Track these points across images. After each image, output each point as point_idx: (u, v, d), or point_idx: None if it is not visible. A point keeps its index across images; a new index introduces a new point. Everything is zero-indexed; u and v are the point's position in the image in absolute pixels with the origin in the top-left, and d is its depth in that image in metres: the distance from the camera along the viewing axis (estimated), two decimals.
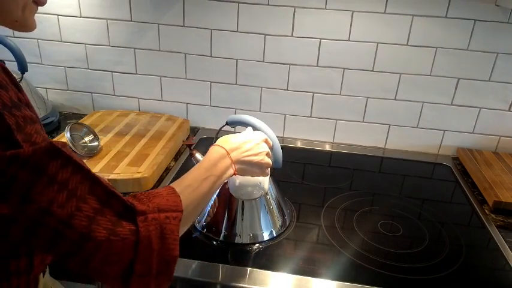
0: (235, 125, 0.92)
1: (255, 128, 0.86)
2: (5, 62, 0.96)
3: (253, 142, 0.77)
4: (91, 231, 0.47)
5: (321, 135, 1.39)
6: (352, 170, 1.25)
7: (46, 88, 1.47)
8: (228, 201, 0.89)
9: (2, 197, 0.43)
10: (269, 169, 0.82)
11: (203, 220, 0.92)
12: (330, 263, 0.84)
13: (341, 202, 1.06)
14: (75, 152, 1.05)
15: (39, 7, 0.54)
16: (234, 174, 0.74)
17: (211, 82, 1.37)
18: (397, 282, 0.81)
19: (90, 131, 1.16)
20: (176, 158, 1.23)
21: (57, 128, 1.35)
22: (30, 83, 1.34)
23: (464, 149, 1.32)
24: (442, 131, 1.33)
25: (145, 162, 1.10)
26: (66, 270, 0.78)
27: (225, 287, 0.78)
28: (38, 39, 1.38)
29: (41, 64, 1.42)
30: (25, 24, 0.52)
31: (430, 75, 1.25)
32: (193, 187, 0.64)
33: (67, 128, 1.09)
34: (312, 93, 1.33)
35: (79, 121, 1.27)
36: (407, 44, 1.22)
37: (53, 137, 1.24)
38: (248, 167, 0.76)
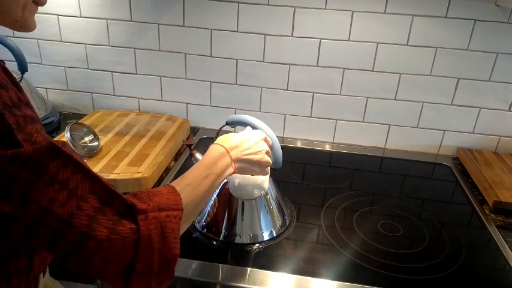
0: (235, 125, 0.92)
1: (255, 128, 0.85)
2: (5, 62, 0.96)
3: (252, 140, 0.77)
4: (92, 230, 0.47)
5: (321, 135, 1.39)
6: (352, 170, 1.25)
7: (46, 88, 1.47)
8: (228, 201, 0.89)
9: (3, 196, 0.43)
10: (269, 168, 0.82)
11: (203, 220, 0.92)
12: (330, 263, 0.84)
13: (341, 202, 1.06)
14: (75, 152, 1.05)
15: (39, 7, 0.54)
16: (234, 172, 0.74)
17: (211, 82, 1.37)
18: (397, 282, 0.81)
19: (90, 131, 1.16)
20: (176, 158, 1.23)
21: (57, 128, 1.35)
22: (30, 83, 1.34)
23: (464, 149, 1.32)
24: (442, 131, 1.33)
25: (145, 162, 1.10)
26: (66, 270, 0.78)
27: (225, 287, 0.78)
28: (38, 39, 1.38)
29: (41, 64, 1.42)
30: (25, 24, 0.52)
31: (430, 75, 1.25)
32: (193, 186, 0.64)
33: (67, 128, 1.09)
34: (312, 93, 1.33)
35: (79, 121, 1.27)
36: (407, 44, 1.22)
37: (53, 137, 1.24)
38: (248, 165, 0.76)
